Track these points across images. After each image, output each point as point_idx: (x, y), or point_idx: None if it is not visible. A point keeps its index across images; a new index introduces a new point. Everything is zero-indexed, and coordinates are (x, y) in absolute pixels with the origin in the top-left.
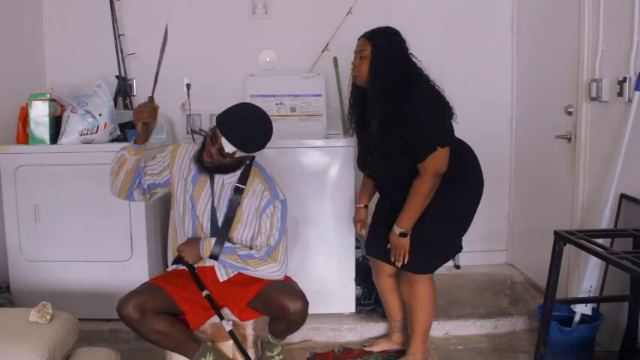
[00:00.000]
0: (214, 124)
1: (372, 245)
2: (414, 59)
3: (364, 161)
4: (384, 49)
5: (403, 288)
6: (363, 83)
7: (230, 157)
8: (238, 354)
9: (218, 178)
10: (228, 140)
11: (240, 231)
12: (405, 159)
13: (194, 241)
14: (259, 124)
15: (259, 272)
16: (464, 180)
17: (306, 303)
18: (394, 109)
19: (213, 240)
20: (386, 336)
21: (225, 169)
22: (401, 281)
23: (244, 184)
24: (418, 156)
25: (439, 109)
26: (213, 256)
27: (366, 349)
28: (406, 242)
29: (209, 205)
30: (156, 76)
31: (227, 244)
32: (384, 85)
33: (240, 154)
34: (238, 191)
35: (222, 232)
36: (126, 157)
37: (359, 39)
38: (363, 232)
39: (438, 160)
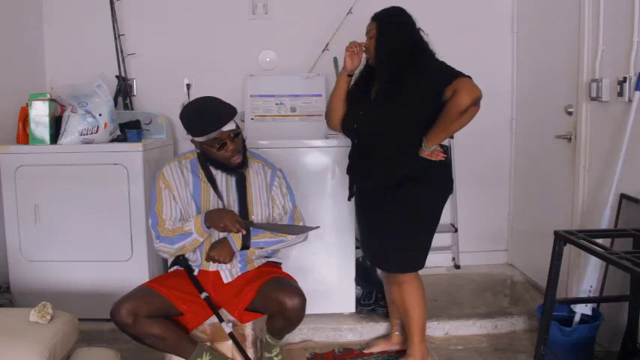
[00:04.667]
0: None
1: (366, 250)
2: (422, 34)
3: (354, 116)
4: (387, 24)
5: (393, 291)
6: (374, 61)
7: (240, 132)
8: (238, 354)
9: (220, 176)
10: (226, 122)
11: (258, 212)
12: (403, 120)
13: (221, 241)
14: (207, 97)
15: (291, 239)
16: (432, 175)
17: (303, 299)
18: (402, 77)
19: None
20: (385, 337)
21: (245, 151)
22: (389, 286)
23: (242, 168)
24: (446, 79)
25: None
26: (246, 246)
27: (366, 351)
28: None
29: (220, 206)
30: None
31: (253, 228)
32: (388, 57)
33: (236, 121)
34: (241, 177)
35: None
36: (199, 240)
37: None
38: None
39: (469, 84)
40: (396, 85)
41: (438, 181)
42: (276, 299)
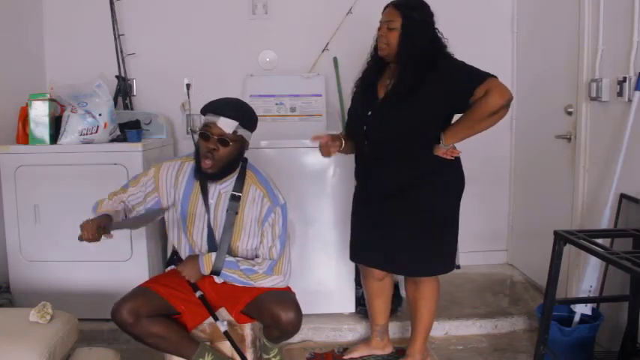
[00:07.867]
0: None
1: (358, 250)
2: (439, 34)
3: (362, 118)
4: (416, 22)
5: (408, 287)
6: (390, 55)
7: (232, 141)
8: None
9: (213, 189)
10: (227, 116)
11: (245, 241)
12: (420, 119)
13: (193, 258)
14: (242, 101)
15: (263, 285)
16: (447, 175)
17: (299, 313)
18: (422, 77)
19: (213, 255)
20: (365, 340)
21: (229, 167)
22: (406, 280)
23: (241, 191)
24: (476, 79)
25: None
26: (215, 272)
27: (345, 357)
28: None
29: (205, 221)
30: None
31: (229, 258)
32: (414, 57)
33: (241, 131)
34: (235, 199)
35: (222, 245)
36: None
37: (386, 7)
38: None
39: (501, 85)
40: (415, 84)
41: (452, 181)
42: (270, 311)
